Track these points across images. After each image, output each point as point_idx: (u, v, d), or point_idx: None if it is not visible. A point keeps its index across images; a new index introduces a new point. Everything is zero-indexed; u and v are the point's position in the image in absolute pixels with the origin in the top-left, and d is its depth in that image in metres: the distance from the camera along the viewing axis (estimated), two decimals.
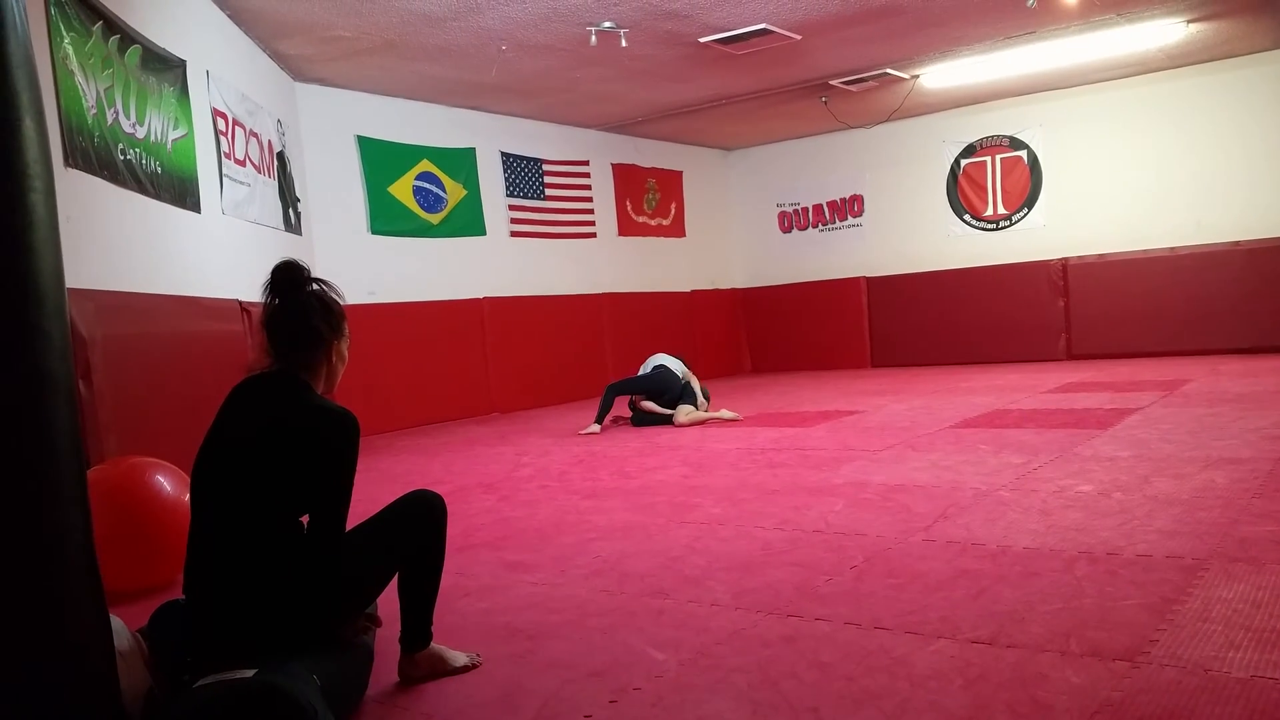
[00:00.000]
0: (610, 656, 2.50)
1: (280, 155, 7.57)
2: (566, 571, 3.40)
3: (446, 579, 3.34)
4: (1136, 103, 10.58)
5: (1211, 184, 10.21)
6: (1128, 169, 10.70)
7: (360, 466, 5.78)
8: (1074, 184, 11.07)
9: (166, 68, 5.34)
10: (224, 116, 6.28)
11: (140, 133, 4.93)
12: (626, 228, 11.79)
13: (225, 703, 1.76)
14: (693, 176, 12.93)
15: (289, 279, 2.31)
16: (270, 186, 7.20)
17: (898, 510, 3.98)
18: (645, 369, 7.98)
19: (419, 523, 2.35)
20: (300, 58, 7.81)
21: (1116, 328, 10.79)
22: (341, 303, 2.38)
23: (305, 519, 2.22)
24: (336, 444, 2.16)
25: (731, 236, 13.62)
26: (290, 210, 7.65)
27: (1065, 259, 11.12)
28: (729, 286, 13.48)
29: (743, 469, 5.32)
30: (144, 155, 4.96)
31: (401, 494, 2.44)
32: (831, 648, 2.45)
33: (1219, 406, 6.25)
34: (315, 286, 2.33)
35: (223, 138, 6.22)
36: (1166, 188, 10.47)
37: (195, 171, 5.68)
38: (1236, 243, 10.10)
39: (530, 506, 4.69)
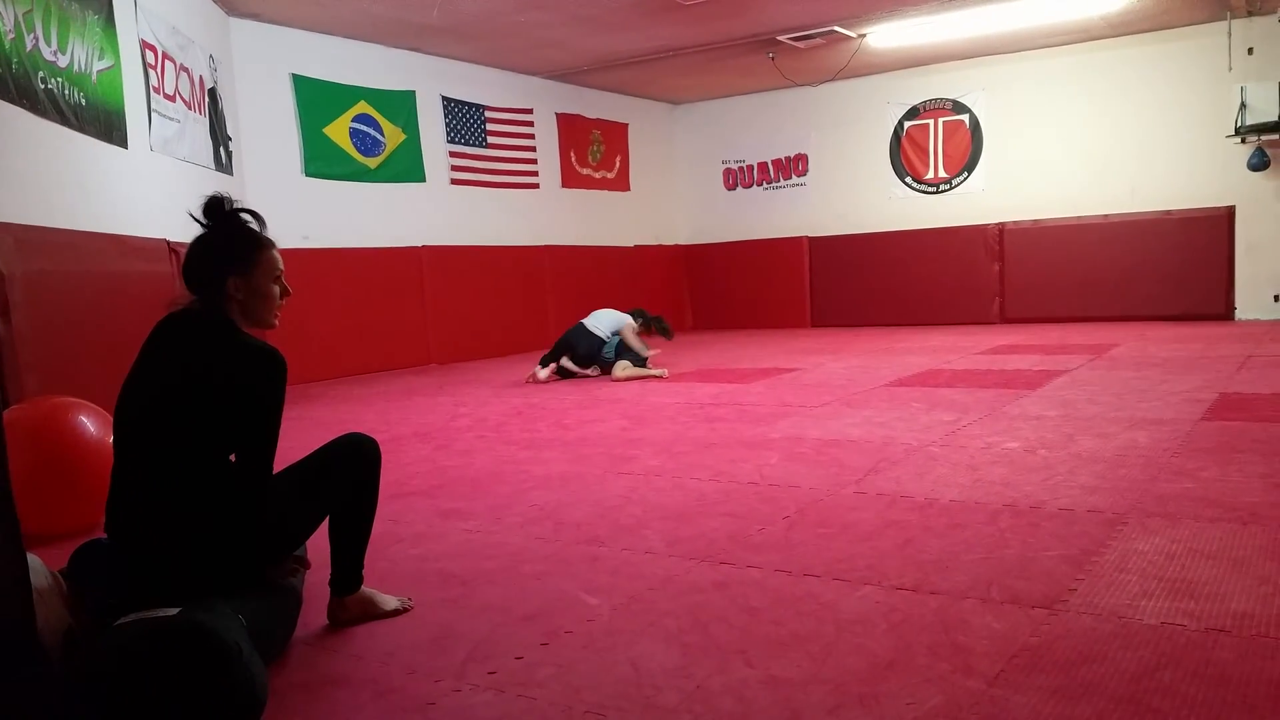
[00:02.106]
0: (543, 601, 2.50)
1: (212, 92, 7.27)
2: (502, 520, 3.38)
3: (379, 526, 3.31)
4: (1077, 70, 10.74)
5: (1147, 153, 10.45)
6: (1066, 135, 10.88)
7: (292, 414, 5.63)
8: (1014, 149, 11.24)
9: None
10: (153, 49, 5.99)
11: (62, 61, 4.67)
12: (570, 179, 11.65)
13: (146, 640, 1.71)
14: (639, 130, 12.79)
15: (204, 213, 2.21)
16: (201, 124, 6.92)
17: (831, 464, 4.04)
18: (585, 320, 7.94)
19: (350, 466, 2.31)
20: None
21: (1049, 293, 11.05)
22: (255, 235, 2.24)
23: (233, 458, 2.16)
24: (258, 382, 2.09)
25: (676, 192, 13.56)
26: (221, 149, 7.37)
27: (1002, 224, 11.32)
28: (672, 242, 13.44)
29: (681, 423, 5.34)
30: (67, 85, 4.71)
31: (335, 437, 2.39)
32: (761, 593, 2.49)
33: (1145, 370, 6.46)
34: (227, 219, 2.23)
35: (152, 71, 5.95)
36: (1103, 155, 10.70)
37: (122, 105, 5.42)
38: (1168, 211, 10.38)
39: (466, 456, 4.65)
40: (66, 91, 4.68)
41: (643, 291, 12.65)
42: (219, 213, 2.23)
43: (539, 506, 3.54)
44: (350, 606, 2.37)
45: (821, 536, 2.99)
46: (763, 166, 13.04)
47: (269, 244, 2.26)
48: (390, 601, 2.44)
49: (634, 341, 7.75)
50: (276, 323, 2.27)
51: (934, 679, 1.93)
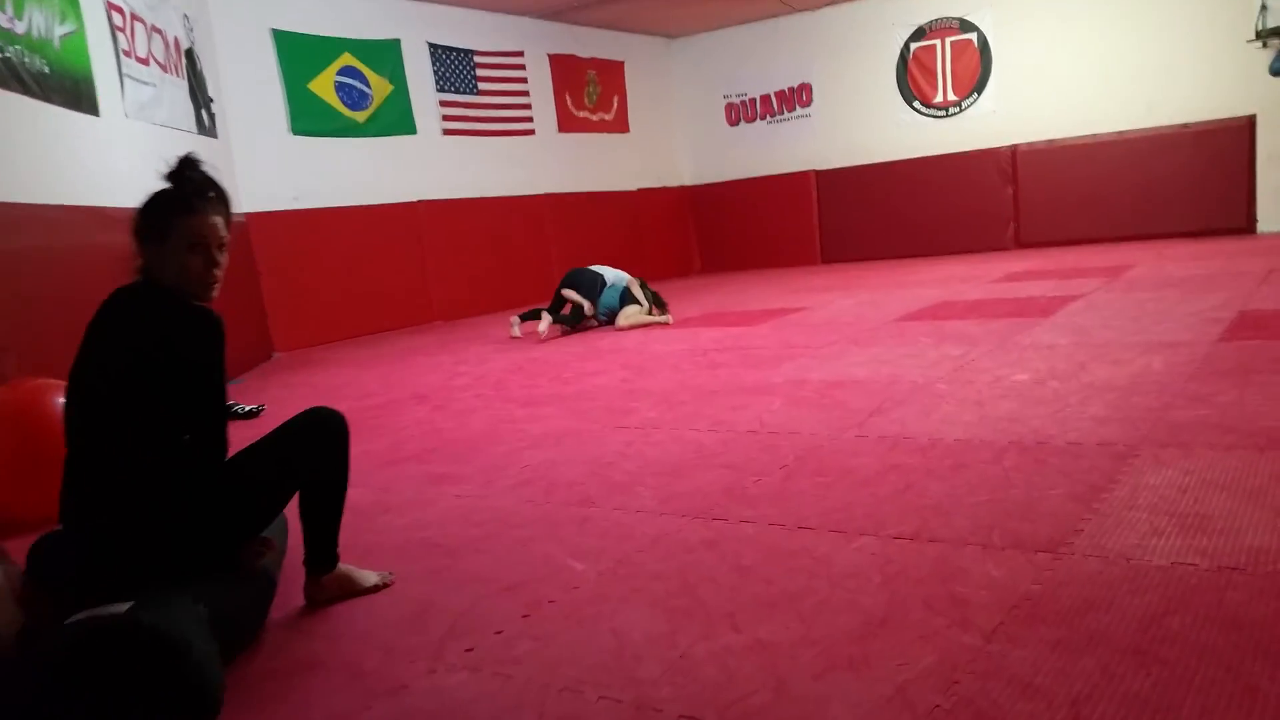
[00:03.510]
0: (528, 569, 2.42)
1: (189, 53, 7.07)
2: (493, 483, 3.30)
3: (368, 496, 3.25)
4: None
5: (1161, 66, 10.04)
6: (1078, 50, 10.47)
7: (293, 381, 5.57)
8: (1024, 67, 10.84)
9: None
10: (120, 10, 5.79)
11: (19, 28, 4.50)
12: (567, 123, 11.38)
13: (92, 640, 1.64)
14: (635, 67, 12.45)
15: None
16: (179, 87, 6.74)
17: (833, 407, 3.92)
18: (592, 268, 7.78)
19: (314, 441, 2.21)
20: None
21: (1065, 214, 10.75)
22: (168, 201, 2.08)
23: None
24: (191, 348, 1.99)
25: (677, 131, 13.25)
26: (203, 111, 7.20)
27: (1014, 146, 10.98)
28: (676, 184, 13.18)
29: (683, 370, 5.23)
30: (26, 53, 4.54)
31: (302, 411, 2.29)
32: (753, 550, 2.39)
33: (1163, 291, 6.25)
34: (169, 180, 2.10)
35: (120, 34, 5.75)
36: (1117, 69, 10.29)
37: (90, 71, 5.25)
38: (1185, 125, 10.01)
39: (463, 416, 4.56)
40: (26, 59, 4.52)
41: (647, 236, 12.46)
42: (169, 174, 2.11)
43: (532, 467, 3.45)
44: (327, 586, 2.29)
45: (819, 485, 2.88)
46: (765, 99, 12.69)
47: (194, 209, 2.09)
48: (369, 578, 2.37)
49: (638, 292, 7.59)
50: (213, 294, 2.13)
51: (928, 636, 1.83)
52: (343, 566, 2.35)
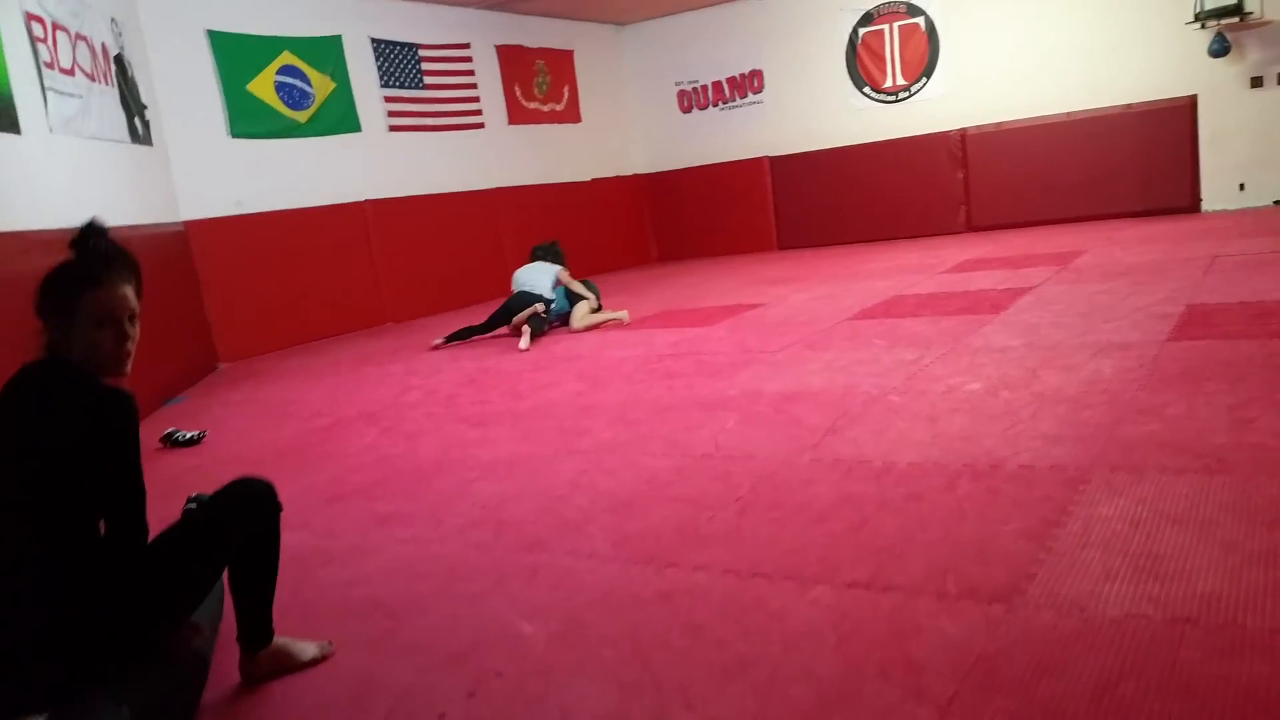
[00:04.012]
0: (475, 633, 2.34)
1: (119, 58, 6.78)
2: (442, 523, 3.20)
3: (309, 542, 3.15)
4: None
5: (1104, 48, 10.11)
6: (1023, 33, 10.52)
7: (237, 397, 5.40)
8: (971, 51, 10.87)
9: None
10: (40, 20, 5.51)
11: None
12: (517, 115, 11.18)
13: None
14: (585, 56, 12.27)
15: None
16: (109, 95, 6.47)
17: (788, 424, 3.87)
18: (515, 284, 7.57)
19: (242, 518, 2.10)
20: None
21: (1015, 197, 10.82)
22: (71, 275, 1.96)
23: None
24: (103, 434, 1.87)
25: (630, 119, 13.10)
26: (136, 119, 6.93)
27: (964, 129, 11.02)
28: (630, 173, 13.05)
29: (638, 381, 5.15)
30: None
31: (230, 480, 2.18)
32: (706, 605, 2.33)
33: (1111, 281, 6.30)
34: (72, 251, 1.98)
35: (41, 45, 5.48)
36: (1062, 51, 10.35)
37: (8, 88, 5.00)
38: (1129, 106, 10.11)
39: (413, 440, 4.45)
40: None
41: (603, 226, 12.34)
42: (73, 243, 1.98)
43: (481, 503, 3.37)
44: (262, 662, 2.20)
45: (774, 521, 2.84)
46: (717, 86, 12.59)
47: (95, 283, 1.95)
48: (308, 650, 2.27)
49: (576, 286, 7.48)
50: (127, 369, 2.01)
51: (883, 711, 1.79)
52: (279, 640, 2.25)
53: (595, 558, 2.73)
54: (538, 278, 7.43)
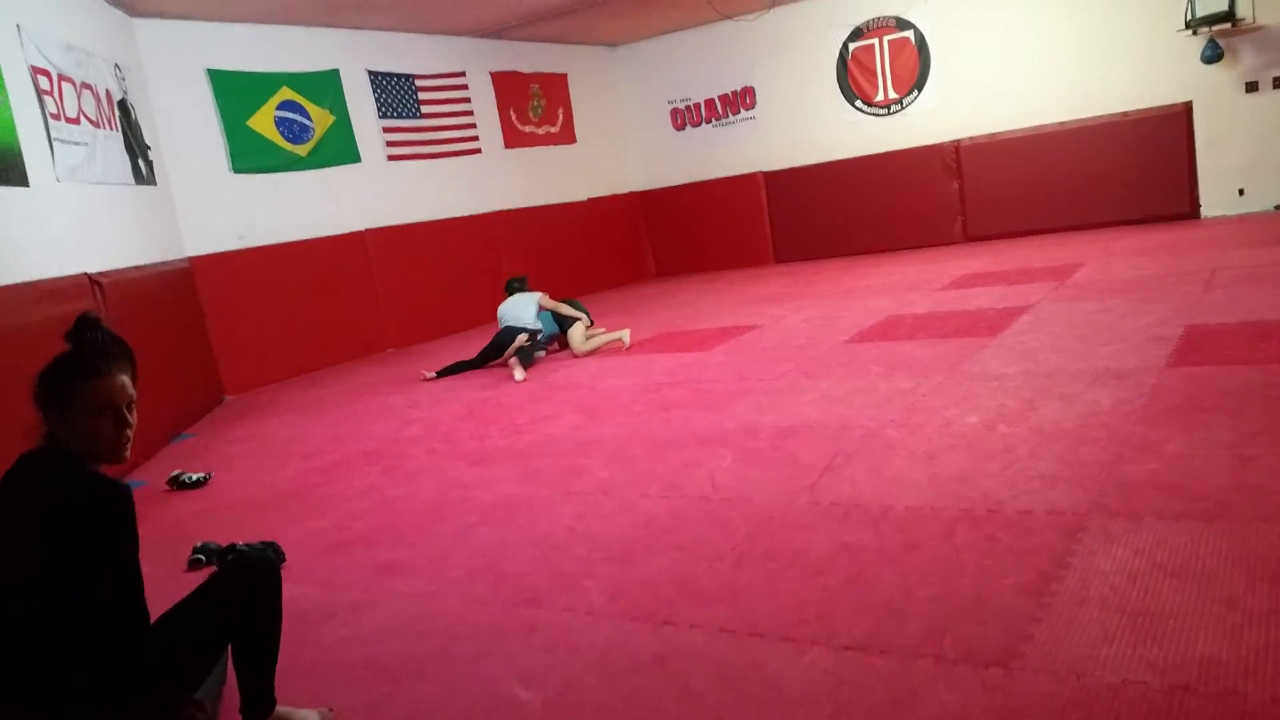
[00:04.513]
0: (472, 700, 2.34)
1: (123, 103, 6.82)
2: (441, 574, 3.21)
3: (312, 594, 3.15)
4: None
5: (1098, 54, 10.11)
6: (1014, 43, 10.52)
7: (238, 435, 5.43)
8: (962, 62, 10.87)
9: None
10: (46, 74, 5.56)
11: None
12: (513, 139, 11.21)
13: None
14: (579, 78, 12.30)
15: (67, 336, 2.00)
16: (113, 140, 6.50)
17: (785, 463, 3.87)
18: (500, 320, 7.53)
19: (246, 598, 2.11)
20: None
21: (1011, 207, 10.82)
22: (74, 366, 2.00)
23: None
24: (99, 529, 1.89)
25: (625, 138, 13.13)
26: (140, 161, 6.96)
27: (957, 141, 11.02)
28: (626, 191, 13.07)
29: (636, 413, 5.16)
30: None
31: (235, 555, 2.19)
32: (702, 669, 2.33)
33: (1109, 299, 6.28)
34: (70, 343, 2.00)
35: (47, 98, 5.52)
36: (1054, 61, 10.35)
37: (15, 142, 5.03)
38: (1124, 114, 10.10)
39: (413, 481, 4.46)
40: None
41: (601, 244, 12.37)
42: (70, 336, 2.01)
43: (481, 551, 3.37)
44: None
45: (770, 574, 2.83)
46: (710, 103, 12.61)
47: (96, 373, 1.99)
48: (309, 718, 2.28)
49: (563, 308, 7.47)
50: (127, 455, 2.05)
51: None
52: (281, 710, 2.25)
53: (592, 614, 2.73)
54: (520, 310, 7.42)
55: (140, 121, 7.14)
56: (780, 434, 4.31)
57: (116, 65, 6.84)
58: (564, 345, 7.55)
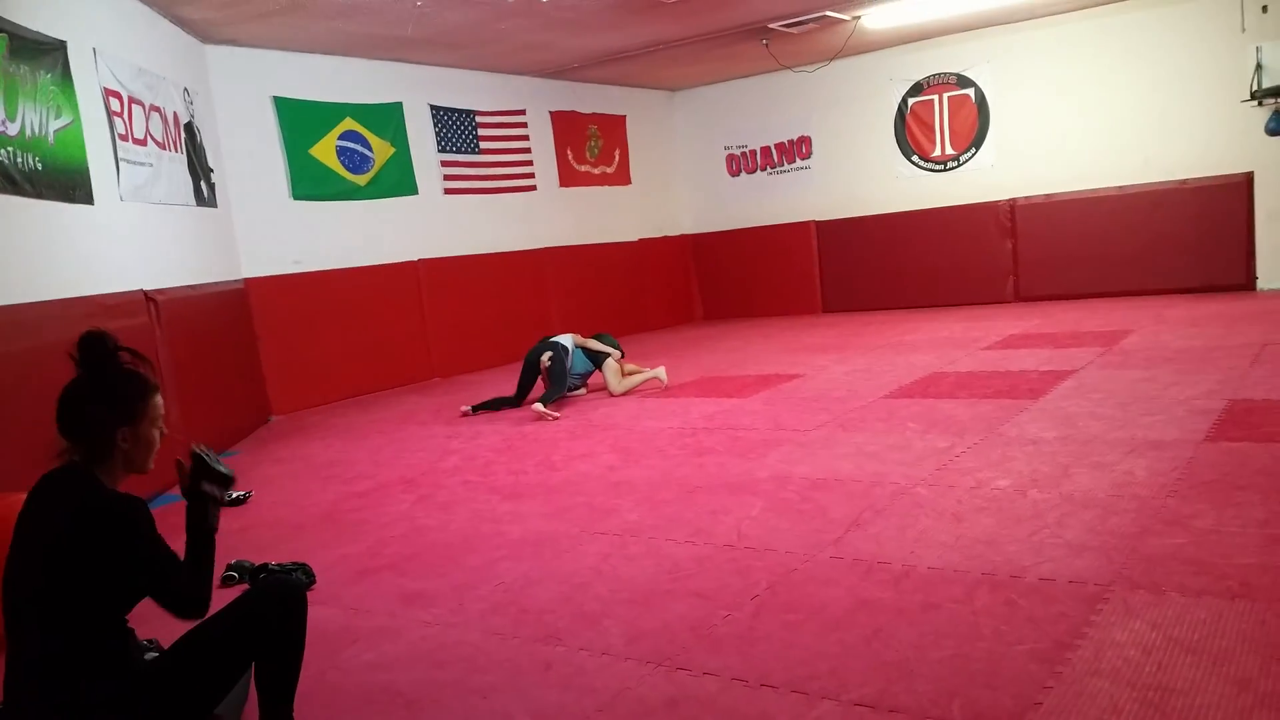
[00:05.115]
0: None
1: (189, 126, 7.16)
2: (464, 606, 3.29)
3: (338, 618, 3.25)
4: (1084, 36, 10.34)
5: (1160, 120, 10.06)
6: (1076, 106, 10.50)
7: (282, 455, 5.63)
8: (1022, 122, 10.88)
9: (41, 52, 4.95)
10: (118, 96, 5.88)
11: (12, 129, 4.57)
12: (568, 178, 11.46)
13: None
14: (637, 120, 12.55)
15: (81, 357, 2.11)
16: (178, 162, 6.82)
17: (813, 515, 3.90)
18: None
19: (271, 620, 2.20)
20: (205, 21, 7.34)
21: (1065, 269, 10.74)
22: (143, 380, 2.15)
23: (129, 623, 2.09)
24: (119, 539, 2.00)
25: (679, 182, 13.32)
26: (202, 183, 7.28)
27: (1013, 200, 11.00)
28: (678, 233, 13.23)
29: (670, 456, 5.22)
30: (18, 153, 4.61)
31: (265, 576, 2.30)
32: (713, 717, 2.37)
33: (1155, 369, 6.22)
34: (108, 362, 2.12)
35: (117, 119, 5.83)
36: (1115, 125, 10.32)
37: (85, 161, 5.32)
38: (1183, 181, 10.01)
39: (446, 512, 4.56)
40: (20, 159, 4.59)
41: (649, 285, 12.52)
42: (99, 355, 2.13)
43: (505, 585, 3.45)
44: None
45: (788, 625, 2.86)
46: (765, 151, 12.76)
47: (155, 388, 2.16)
48: None
49: (592, 344, 7.54)
50: (151, 466, 2.18)
51: None
52: None
53: (608, 654, 2.78)
54: (560, 339, 7.49)
55: (205, 145, 7.47)
56: (811, 486, 4.34)
57: (186, 89, 7.18)
58: (583, 383, 7.62)
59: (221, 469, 2.19)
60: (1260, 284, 9.76)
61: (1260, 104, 9.38)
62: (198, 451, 2.18)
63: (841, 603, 2.99)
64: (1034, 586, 2.96)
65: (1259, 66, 9.27)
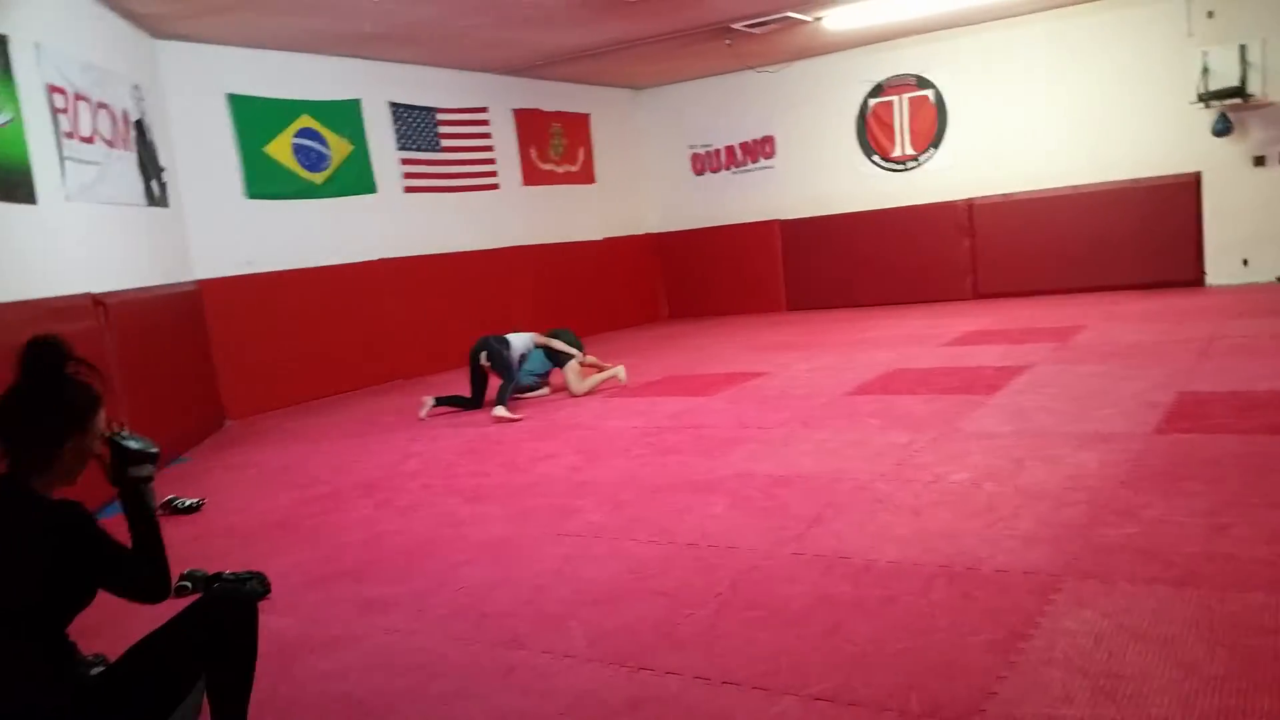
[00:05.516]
0: None
1: (139, 124, 7.03)
2: (424, 612, 3.26)
3: (294, 627, 3.21)
4: (1039, 40, 10.51)
5: (1112, 122, 10.25)
6: (1031, 108, 10.68)
7: (235, 462, 5.55)
8: (979, 123, 11.04)
9: None
10: (62, 92, 5.74)
11: None
12: (532, 177, 11.41)
13: None
14: (601, 119, 12.53)
15: (28, 364, 2.05)
16: (126, 160, 6.68)
17: (776, 512, 3.93)
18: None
19: (222, 629, 2.16)
20: (156, 16, 7.21)
21: (1021, 266, 10.91)
22: (94, 392, 2.10)
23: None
24: (75, 548, 1.97)
25: (643, 180, 13.33)
26: (153, 182, 7.15)
27: (971, 199, 11.15)
28: (642, 232, 13.24)
29: (634, 456, 5.22)
30: None
31: (217, 585, 2.26)
32: (675, 716, 2.38)
33: (1107, 362, 6.34)
34: (63, 369, 2.07)
35: (62, 116, 5.70)
36: (1069, 126, 10.50)
37: (27, 159, 5.19)
38: (1136, 180, 10.22)
39: (407, 516, 4.53)
40: None
41: (614, 284, 12.51)
42: (51, 362, 2.07)
43: (466, 590, 3.43)
44: None
45: (750, 622, 2.88)
46: (730, 150, 12.81)
47: (102, 399, 2.10)
48: None
49: (554, 343, 7.51)
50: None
51: None
52: None
53: (571, 657, 2.78)
54: (514, 337, 7.41)
55: (156, 143, 7.33)
56: (773, 483, 4.37)
57: (136, 86, 7.03)
58: (564, 383, 7.61)
59: (138, 445, 2.13)
60: (1208, 280, 10.00)
61: (1207, 106, 9.59)
62: (112, 436, 2.12)
63: (803, 599, 3.02)
64: (989, 578, 3.01)
65: (1205, 70, 9.49)
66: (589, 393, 7.39)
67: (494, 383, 7.24)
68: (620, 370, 7.47)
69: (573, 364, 7.46)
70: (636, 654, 2.74)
